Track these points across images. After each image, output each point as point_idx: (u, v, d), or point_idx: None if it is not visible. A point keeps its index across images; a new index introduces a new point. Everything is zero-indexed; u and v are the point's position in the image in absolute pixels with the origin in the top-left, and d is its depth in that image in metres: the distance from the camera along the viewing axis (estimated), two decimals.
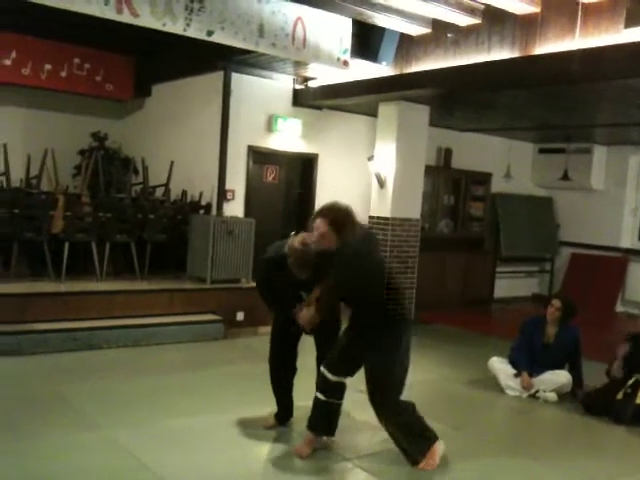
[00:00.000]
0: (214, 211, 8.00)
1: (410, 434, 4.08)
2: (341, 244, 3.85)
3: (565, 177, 10.67)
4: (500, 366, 5.95)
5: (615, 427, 5.06)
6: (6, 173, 7.36)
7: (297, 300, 4.22)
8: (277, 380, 4.60)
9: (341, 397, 4.16)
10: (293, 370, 4.61)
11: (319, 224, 3.91)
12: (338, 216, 3.90)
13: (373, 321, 3.96)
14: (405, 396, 5.46)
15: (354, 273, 3.83)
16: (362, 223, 4.11)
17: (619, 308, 10.80)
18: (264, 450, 4.22)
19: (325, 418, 4.14)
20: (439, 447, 4.12)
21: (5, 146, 7.45)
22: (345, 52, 7.08)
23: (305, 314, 4.10)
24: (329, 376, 4.06)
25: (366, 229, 4.30)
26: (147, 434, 4.31)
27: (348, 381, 4.61)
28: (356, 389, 5.52)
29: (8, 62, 8.33)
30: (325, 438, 4.24)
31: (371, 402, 4.08)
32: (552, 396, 5.65)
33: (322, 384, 4.11)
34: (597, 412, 5.25)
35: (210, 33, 6.09)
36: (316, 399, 4.12)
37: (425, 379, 6.18)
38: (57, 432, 4.24)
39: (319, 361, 4.32)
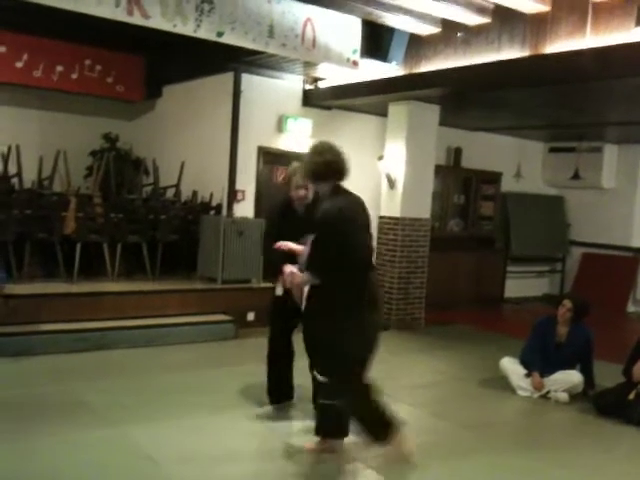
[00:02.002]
0: (224, 212, 8.03)
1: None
2: (323, 201, 3.81)
3: (576, 176, 10.64)
4: (511, 366, 5.93)
5: (626, 427, 5.04)
6: (19, 174, 7.43)
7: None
8: (274, 361, 4.72)
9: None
10: (290, 351, 4.70)
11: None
12: (317, 162, 3.79)
13: (337, 296, 3.66)
14: (414, 395, 5.45)
15: (333, 233, 3.68)
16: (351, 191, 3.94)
17: (630, 308, 10.76)
18: (276, 449, 4.23)
19: (334, 422, 3.92)
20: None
21: (18, 147, 7.50)
22: (355, 52, 7.10)
23: (288, 272, 3.88)
24: (319, 378, 3.88)
25: (355, 196, 4.00)
26: (161, 432, 4.34)
27: None
28: None
29: (20, 64, 8.38)
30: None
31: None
32: (564, 396, 5.63)
33: (317, 388, 4.06)
34: (609, 412, 5.22)
35: (220, 34, 6.13)
36: (320, 404, 3.93)
37: (436, 379, 6.19)
38: (71, 429, 4.27)
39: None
